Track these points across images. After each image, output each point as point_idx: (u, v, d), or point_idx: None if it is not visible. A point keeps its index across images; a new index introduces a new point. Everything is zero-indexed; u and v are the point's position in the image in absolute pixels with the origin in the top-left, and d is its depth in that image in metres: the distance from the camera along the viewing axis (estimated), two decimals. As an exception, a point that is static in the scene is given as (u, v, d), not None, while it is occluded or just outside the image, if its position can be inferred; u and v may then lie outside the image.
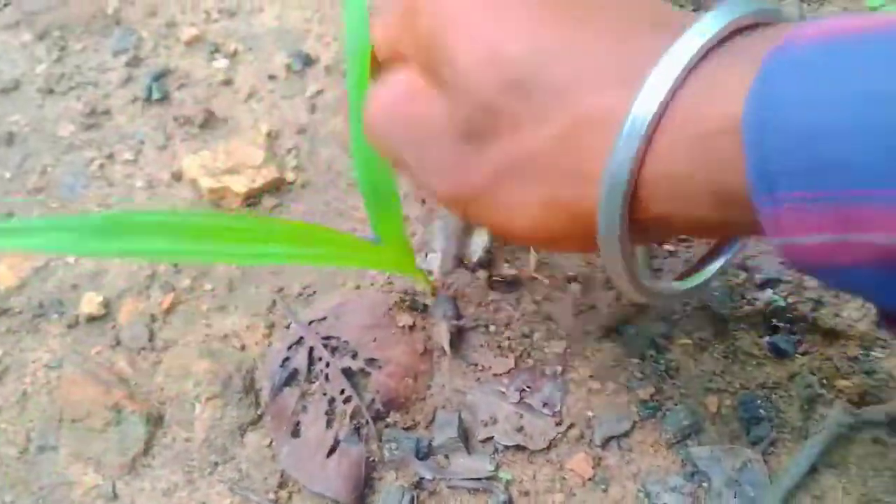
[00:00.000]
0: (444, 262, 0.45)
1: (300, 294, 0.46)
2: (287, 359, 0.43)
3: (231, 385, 0.43)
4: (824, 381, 0.39)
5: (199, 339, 0.45)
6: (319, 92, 0.55)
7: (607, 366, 0.41)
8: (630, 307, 0.42)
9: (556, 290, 0.43)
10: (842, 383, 0.39)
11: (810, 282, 0.42)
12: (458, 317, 0.43)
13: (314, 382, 0.42)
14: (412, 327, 0.43)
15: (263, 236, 0.35)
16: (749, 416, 0.39)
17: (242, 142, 0.53)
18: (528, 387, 0.40)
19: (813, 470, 0.37)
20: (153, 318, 0.46)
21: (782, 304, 0.42)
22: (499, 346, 0.42)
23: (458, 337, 0.42)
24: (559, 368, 0.41)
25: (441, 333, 0.42)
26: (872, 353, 0.40)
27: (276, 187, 0.51)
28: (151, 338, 0.46)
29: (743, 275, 0.43)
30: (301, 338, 0.43)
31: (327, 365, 0.42)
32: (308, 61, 0.56)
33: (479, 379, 0.41)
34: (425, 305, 0.44)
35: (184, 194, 0.52)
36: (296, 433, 0.40)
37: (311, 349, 0.43)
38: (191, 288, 0.47)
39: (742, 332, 0.42)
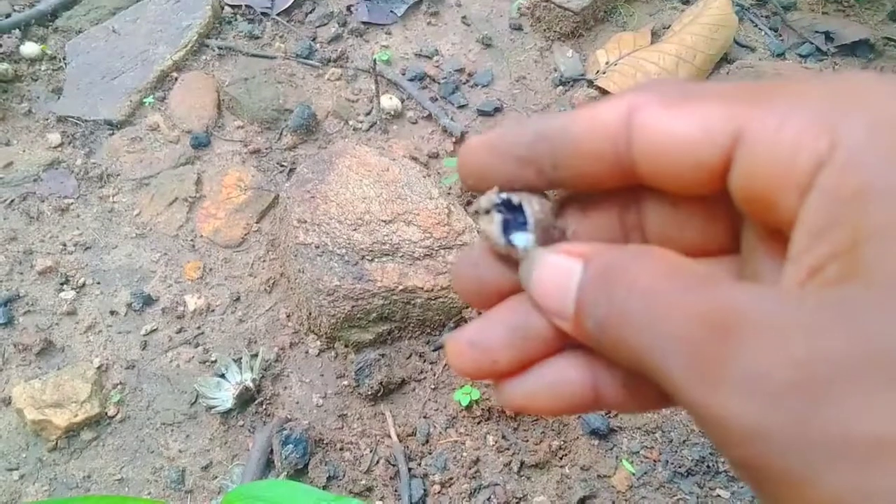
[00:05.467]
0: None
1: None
2: None
3: None
4: None
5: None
6: (153, 331, 0.64)
7: None
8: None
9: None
10: None
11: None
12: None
13: None
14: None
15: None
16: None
17: (73, 374, 0.60)
18: None
19: None
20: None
21: None
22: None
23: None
24: None
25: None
26: None
27: (97, 422, 0.58)
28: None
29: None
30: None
31: None
32: (148, 301, 0.65)
33: None
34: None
35: (8, 419, 0.57)
36: None
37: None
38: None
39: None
